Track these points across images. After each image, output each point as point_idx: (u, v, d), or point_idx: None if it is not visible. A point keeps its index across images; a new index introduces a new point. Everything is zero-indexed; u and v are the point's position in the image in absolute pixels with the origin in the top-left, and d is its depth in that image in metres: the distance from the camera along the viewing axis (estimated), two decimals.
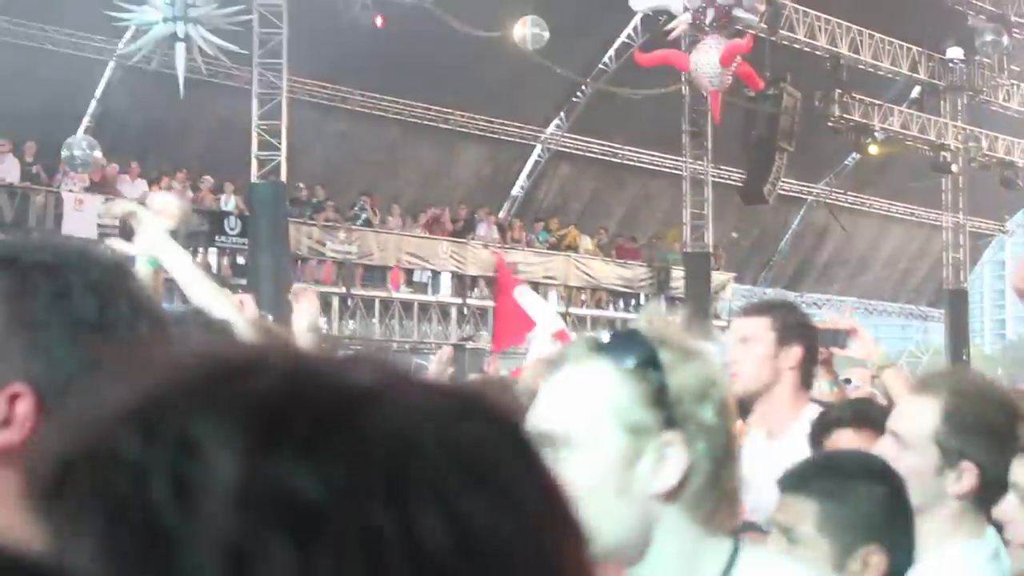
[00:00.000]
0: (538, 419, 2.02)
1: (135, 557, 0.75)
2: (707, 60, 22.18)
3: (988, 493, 3.01)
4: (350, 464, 0.77)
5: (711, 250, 29.57)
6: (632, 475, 1.97)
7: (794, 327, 4.64)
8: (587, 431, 1.98)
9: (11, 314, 1.71)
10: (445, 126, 28.39)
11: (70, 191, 21.38)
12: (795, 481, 2.80)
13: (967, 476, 3.01)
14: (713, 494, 2.00)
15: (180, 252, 4.12)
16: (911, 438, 3.05)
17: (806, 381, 4.64)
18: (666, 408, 1.97)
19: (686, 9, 22.05)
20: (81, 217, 21.08)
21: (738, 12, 22.50)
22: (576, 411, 2.00)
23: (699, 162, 29.61)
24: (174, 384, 0.81)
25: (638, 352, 2.00)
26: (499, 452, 0.83)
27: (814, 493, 2.73)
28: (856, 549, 2.69)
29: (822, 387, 5.46)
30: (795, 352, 4.55)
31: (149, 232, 4.02)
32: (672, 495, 1.97)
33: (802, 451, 3.81)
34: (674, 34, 22.93)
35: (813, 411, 4.37)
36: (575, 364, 2.05)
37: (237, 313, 3.99)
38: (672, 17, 22.87)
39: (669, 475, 1.96)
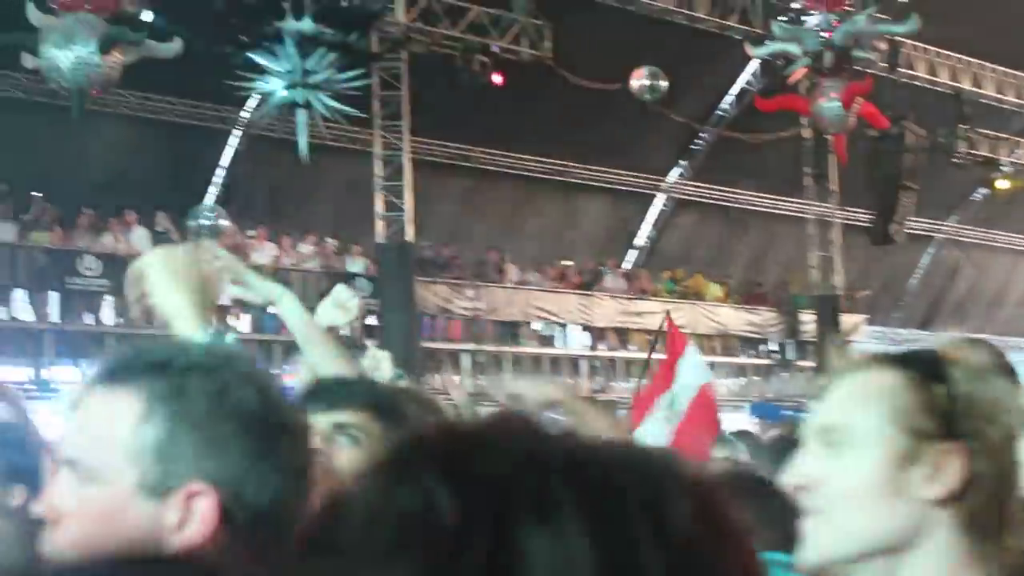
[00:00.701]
0: (821, 414, 2.08)
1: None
2: (828, 103, 22.06)
3: None
4: (468, 478, 0.95)
5: (840, 292, 29.27)
6: (906, 477, 1.99)
7: None
8: (867, 428, 2.01)
9: (177, 416, 1.76)
10: (567, 179, 28.50)
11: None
12: None
13: None
14: (989, 515, 2.01)
15: (310, 323, 4.15)
16: None
17: None
18: (951, 419, 2.00)
19: (804, 53, 21.93)
20: None
21: (857, 53, 22.32)
22: (858, 409, 2.04)
23: (824, 204, 29.36)
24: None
25: (927, 364, 2.05)
26: (623, 489, 0.95)
27: None
28: None
29: None
30: None
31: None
32: (946, 505, 1.99)
33: None
34: (793, 79, 22.83)
35: None
36: (864, 368, 2.10)
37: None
38: (790, 61, 22.77)
39: (944, 483, 1.98)
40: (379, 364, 5.45)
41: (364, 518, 0.96)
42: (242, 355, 1.97)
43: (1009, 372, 4.47)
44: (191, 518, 1.72)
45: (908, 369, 2.04)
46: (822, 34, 21.87)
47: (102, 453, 1.76)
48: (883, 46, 25.11)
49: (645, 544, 0.93)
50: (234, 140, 24.65)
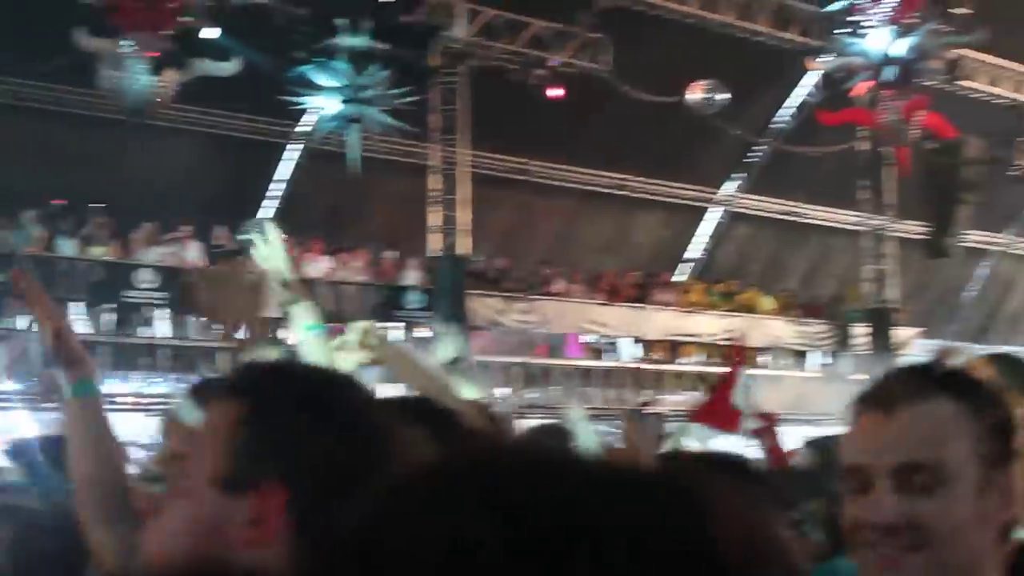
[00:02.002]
0: (895, 452, 2.03)
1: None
2: (890, 116, 21.91)
3: None
4: (515, 512, 0.92)
5: (894, 305, 29.10)
6: (989, 506, 2.02)
7: None
8: (955, 465, 2.01)
9: (267, 422, 1.86)
10: (622, 192, 28.41)
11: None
12: None
13: None
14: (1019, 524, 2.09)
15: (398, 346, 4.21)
16: None
17: None
18: (1007, 440, 2.04)
19: (867, 67, 21.81)
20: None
21: (919, 66, 22.17)
22: (940, 445, 2.02)
23: (879, 217, 29.20)
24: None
25: (977, 388, 2.08)
26: (665, 518, 0.94)
27: None
28: None
29: None
30: None
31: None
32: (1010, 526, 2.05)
33: None
34: (856, 92, 22.70)
35: None
36: (922, 397, 2.06)
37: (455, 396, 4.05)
38: (851, 74, 22.64)
39: (1015, 505, 2.04)
40: (445, 346, 5.61)
41: (402, 546, 0.93)
42: (343, 374, 2.11)
43: None
44: (263, 517, 1.80)
45: (961, 394, 2.05)
46: (885, 47, 21.75)
47: (194, 452, 1.89)
48: (949, 55, 24.93)
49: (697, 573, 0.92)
50: (293, 154, 24.66)
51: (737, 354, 11.55)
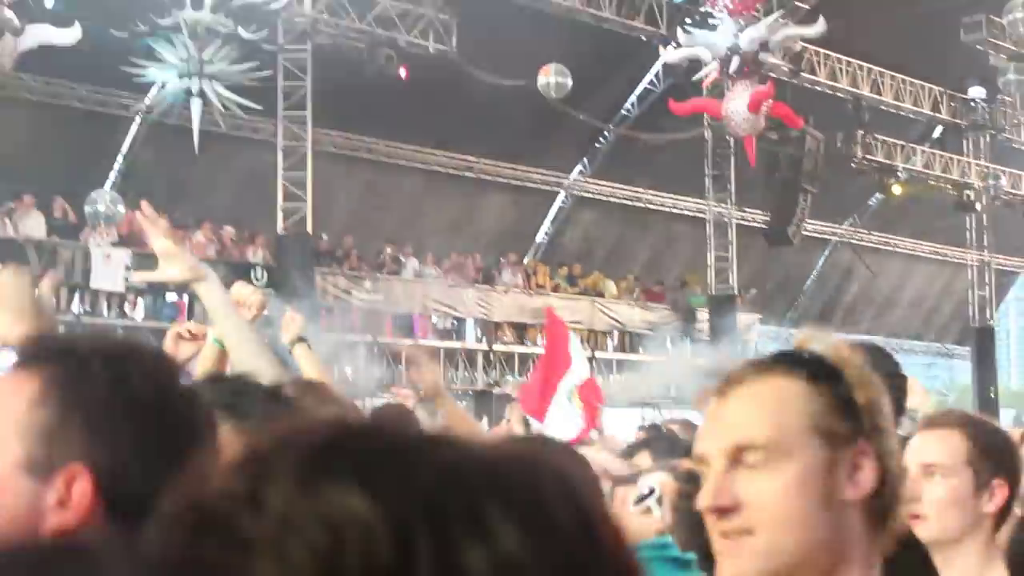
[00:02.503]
0: (729, 432, 2.02)
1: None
2: (737, 107, 22.23)
3: (1007, 512, 3.26)
4: (397, 490, 0.87)
5: (736, 292, 29.52)
6: (831, 484, 1.98)
7: None
8: (789, 442, 1.98)
9: (71, 399, 1.78)
10: (469, 174, 28.48)
11: (98, 246, 21.41)
12: None
13: (999, 493, 3.21)
14: (893, 508, 2.04)
15: (227, 305, 3.84)
16: (945, 465, 3.22)
17: None
18: (856, 419, 2.00)
19: (713, 58, 22.10)
20: (109, 271, 21.12)
21: (763, 57, 22.54)
22: (774, 422, 2.00)
23: (722, 205, 29.62)
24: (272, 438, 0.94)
25: (820, 367, 2.03)
26: (542, 491, 0.92)
27: None
28: None
29: None
30: None
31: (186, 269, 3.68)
32: (863, 505, 2.00)
33: None
34: (706, 83, 22.98)
35: None
36: (760, 377, 2.05)
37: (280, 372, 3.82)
38: (697, 63, 22.93)
39: (865, 483, 1.99)
40: (289, 325, 5.45)
41: (272, 528, 0.86)
42: (149, 346, 2.03)
43: (898, 372, 4.69)
44: (70, 499, 1.74)
45: (803, 373, 2.02)
46: (730, 38, 22.07)
47: None
48: (796, 48, 25.36)
49: (578, 545, 0.90)
50: (135, 127, 24.31)
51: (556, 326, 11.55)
